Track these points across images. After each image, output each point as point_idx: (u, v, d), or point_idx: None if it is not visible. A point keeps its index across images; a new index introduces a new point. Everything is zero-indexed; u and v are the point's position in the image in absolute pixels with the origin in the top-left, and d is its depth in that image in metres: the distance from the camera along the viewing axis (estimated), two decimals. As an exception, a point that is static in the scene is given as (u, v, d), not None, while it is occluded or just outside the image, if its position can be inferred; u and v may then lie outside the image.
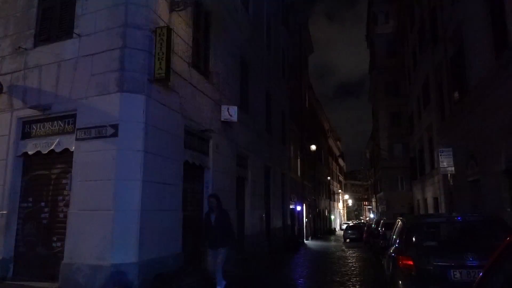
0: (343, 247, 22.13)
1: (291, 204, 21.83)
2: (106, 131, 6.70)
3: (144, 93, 6.89)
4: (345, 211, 75.56)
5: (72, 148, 7.06)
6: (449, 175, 12.77)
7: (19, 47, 7.97)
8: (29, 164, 7.78)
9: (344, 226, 38.40)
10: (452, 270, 4.55)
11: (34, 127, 7.71)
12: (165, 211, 7.30)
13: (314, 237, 32.34)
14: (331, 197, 50.86)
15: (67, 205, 7.01)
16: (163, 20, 7.52)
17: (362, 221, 58.28)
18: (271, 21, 17.86)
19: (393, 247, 5.62)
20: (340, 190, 64.35)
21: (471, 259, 4.50)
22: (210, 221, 7.07)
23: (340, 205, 65.47)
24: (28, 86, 7.74)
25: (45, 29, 7.94)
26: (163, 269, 7.06)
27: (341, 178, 69.01)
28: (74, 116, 7.17)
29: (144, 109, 6.84)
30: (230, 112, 10.53)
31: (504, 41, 8.38)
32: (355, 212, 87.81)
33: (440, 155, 11.55)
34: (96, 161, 6.66)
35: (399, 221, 6.24)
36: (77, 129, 7.00)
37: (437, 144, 16.35)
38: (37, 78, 7.66)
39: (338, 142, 64.68)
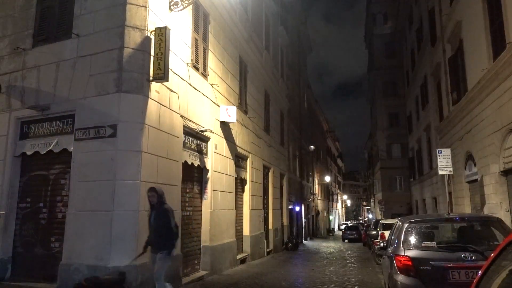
0: (342, 248, 22.13)
1: (290, 204, 21.84)
2: (105, 131, 6.69)
3: (143, 94, 6.89)
4: (343, 211, 75.60)
5: (71, 149, 7.05)
6: (447, 175, 12.79)
7: (18, 47, 7.95)
8: (28, 165, 7.76)
9: (343, 227, 38.42)
10: (450, 270, 4.55)
11: (33, 127, 7.70)
12: (163, 211, 7.28)
13: (313, 237, 32.35)
14: (330, 197, 50.89)
15: (65, 206, 6.99)
16: (161, 20, 7.52)
17: (361, 221, 58.30)
18: (270, 21, 17.88)
19: (392, 248, 5.61)
20: (338, 191, 64.38)
21: (469, 259, 4.51)
22: (150, 220, 5.87)
23: (339, 205, 65.51)
24: (26, 86, 7.72)
25: (43, 29, 7.92)
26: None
27: (339, 178, 69.05)
28: (72, 116, 7.16)
29: (142, 109, 6.83)
30: (229, 113, 10.53)
31: (502, 41, 8.40)
32: (354, 213, 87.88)
33: (439, 156, 11.56)
34: (95, 161, 6.65)
35: (397, 222, 6.25)
36: (76, 129, 6.98)
37: (435, 145, 16.39)
38: (35, 78, 7.65)
39: (336, 143, 64.74)
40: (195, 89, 9.02)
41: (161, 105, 7.40)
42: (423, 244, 5.15)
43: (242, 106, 12.84)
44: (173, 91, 7.87)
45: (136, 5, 7.09)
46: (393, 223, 8.40)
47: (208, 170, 9.72)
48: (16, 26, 8.19)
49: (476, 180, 10.79)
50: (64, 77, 7.33)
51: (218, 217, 10.03)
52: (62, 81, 7.33)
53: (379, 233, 14.76)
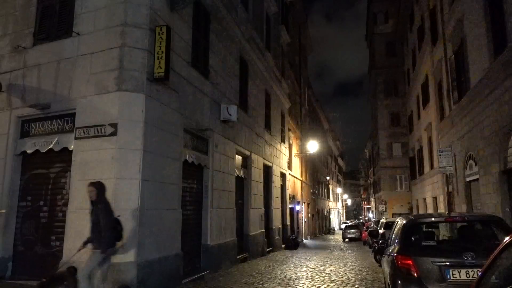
0: (342, 247, 22.14)
1: (290, 203, 21.84)
2: (105, 130, 6.69)
3: (144, 92, 6.88)
4: (344, 210, 75.62)
5: (71, 147, 7.05)
6: (448, 174, 12.78)
7: (18, 45, 7.96)
8: (28, 163, 7.77)
9: (343, 226, 38.41)
10: (451, 270, 4.54)
11: (33, 126, 7.70)
12: (164, 210, 7.30)
13: (313, 236, 32.36)
14: (331, 196, 50.89)
15: (66, 204, 7.00)
16: (162, 19, 7.51)
17: (361, 220, 58.30)
18: (271, 20, 17.86)
19: (392, 247, 5.61)
20: (339, 190, 64.36)
21: (470, 259, 4.50)
22: (91, 217, 5.54)
23: (339, 204, 65.51)
24: (27, 85, 7.73)
25: (44, 27, 7.92)
26: (163, 268, 7.06)
27: (340, 177, 69.04)
28: (73, 115, 7.16)
29: (143, 108, 6.83)
30: (230, 111, 10.53)
31: (503, 41, 8.38)
32: (354, 212, 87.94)
33: (439, 155, 11.58)
34: (95, 160, 6.65)
35: (398, 221, 6.24)
36: (76, 128, 6.99)
37: (436, 144, 16.37)
38: (36, 76, 7.65)
39: (337, 142, 64.72)
40: (196, 87, 9.01)
41: (161, 104, 7.40)
42: (423, 244, 5.15)
43: (243, 105, 12.83)
44: (173, 90, 7.87)
45: (136, 3, 7.08)
46: (393, 222, 8.40)
47: (208, 169, 9.72)
48: (16, 24, 8.20)
49: (476, 180, 10.77)
50: (64, 75, 7.33)
51: (219, 216, 10.04)
52: (63, 80, 7.33)
53: (380, 232, 14.76)
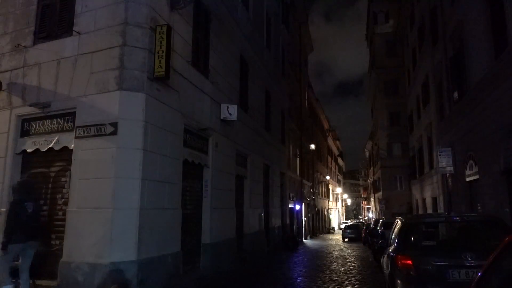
0: (342, 246, 22.16)
1: (290, 203, 21.86)
2: (106, 129, 6.69)
3: (144, 91, 6.88)
4: (344, 210, 75.61)
5: (71, 146, 7.05)
6: (448, 175, 12.79)
7: (19, 44, 7.94)
8: (28, 162, 7.76)
9: (343, 226, 38.44)
10: (450, 270, 4.55)
11: (33, 125, 7.69)
12: (164, 209, 7.30)
13: (313, 236, 32.38)
14: (330, 196, 50.89)
15: (66, 203, 7.00)
16: (163, 18, 7.51)
17: (361, 220, 58.31)
18: (271, 20, 17.85)
19: (392, 247, 5.62)
20: (339, 190, 64.37)
21: (469, 259, 4.51)
22: None
23: (339, 204, 65.52)
24: (27, 83, 7.72)
25: (44, 26, 7.91)
26: (162, 267, 7.07)
27: (340, 177, 69.04)
28: (73, 114, 7.16)
29: (143, 107, 6.83)
30: (230, 111, 10.53)
31: (504, 41, 8.38)
32: (354, 212, 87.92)
33: (439, 155, 11.58)
34: (95, 159, 6.65)
35: (398, 221, 6.25)
36: (77, 127, 6.98)
37: (436, 144, 16.38)
38: (36, 75, 7.65)
39: (337, 142, 64.73)
40: (196, 87, 9.01)
41: (162, 103, 7.40)
42: (423, 244, 5.17)
43: (243, 104, 12.83)
44: (174, 89, 7.87)
45: (137, 2, 7.08)
46: (393, 222, 8.41)
47: (208, 168, 9.72)
48: (17, 23, 8.18)
49: (476, 180, 10.78)
50: (65, 74, 7.33)
51: (218, 215, 10.04)
52: (63, 79, 7.33)
53: (379, 232, 14.77)
